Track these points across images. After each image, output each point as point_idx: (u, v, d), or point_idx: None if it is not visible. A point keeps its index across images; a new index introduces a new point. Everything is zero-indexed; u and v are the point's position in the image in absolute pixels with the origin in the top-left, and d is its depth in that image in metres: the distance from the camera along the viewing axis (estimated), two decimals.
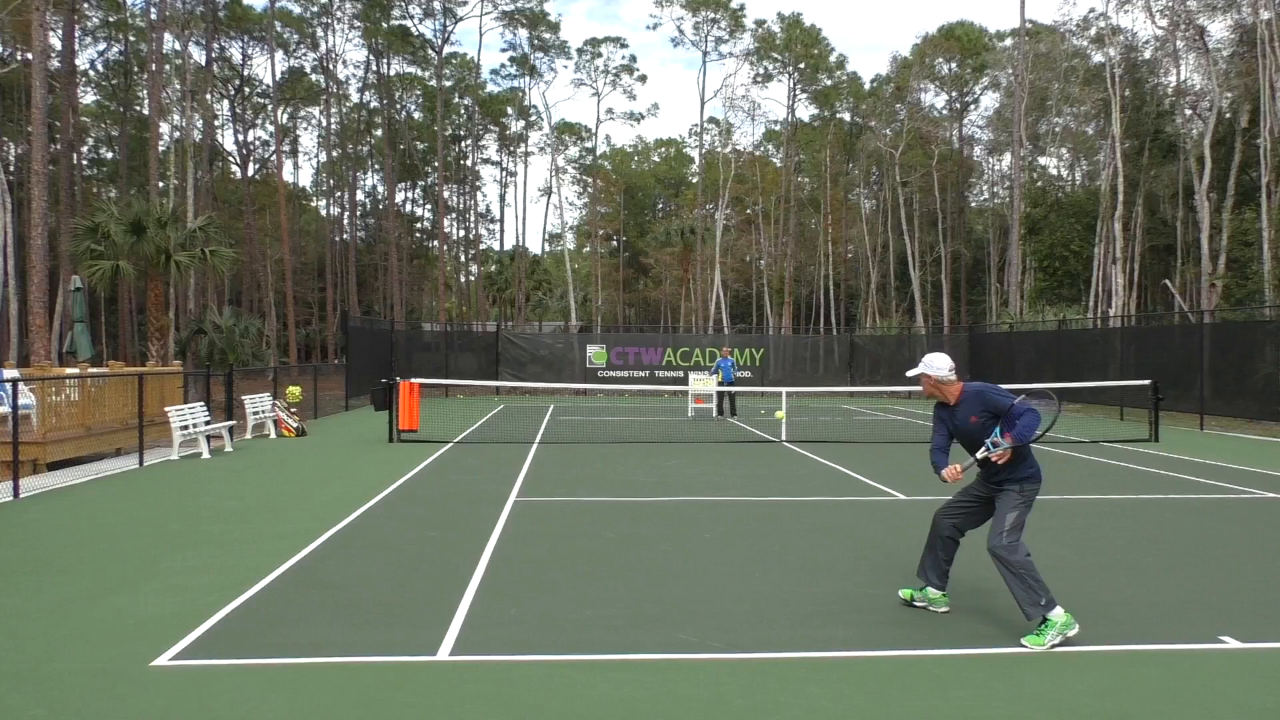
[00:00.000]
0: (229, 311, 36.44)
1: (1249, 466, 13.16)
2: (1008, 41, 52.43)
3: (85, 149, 53.89)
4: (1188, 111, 41.24)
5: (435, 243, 63.75)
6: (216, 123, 54.27)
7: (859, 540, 7.94)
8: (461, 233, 70.46)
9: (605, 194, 69.78)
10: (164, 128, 44.40)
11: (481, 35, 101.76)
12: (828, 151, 58.13)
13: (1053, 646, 4.96)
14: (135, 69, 49.69)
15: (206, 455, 13.84)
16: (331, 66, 56.62)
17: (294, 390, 18.96)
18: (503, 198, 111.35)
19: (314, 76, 57.99)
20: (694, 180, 66.51)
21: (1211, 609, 5.80)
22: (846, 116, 62.32)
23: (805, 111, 62.06)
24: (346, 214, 63.65)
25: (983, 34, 57.09)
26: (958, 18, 79.39)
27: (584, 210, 75.16)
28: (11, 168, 43.23)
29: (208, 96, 48.48)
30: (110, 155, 55.32)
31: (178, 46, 44.15)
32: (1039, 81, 44.31)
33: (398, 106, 61.42)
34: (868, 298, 57.33)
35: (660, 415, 23.31)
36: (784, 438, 16.65)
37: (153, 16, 40.66)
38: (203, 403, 15.58)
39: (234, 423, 15.97)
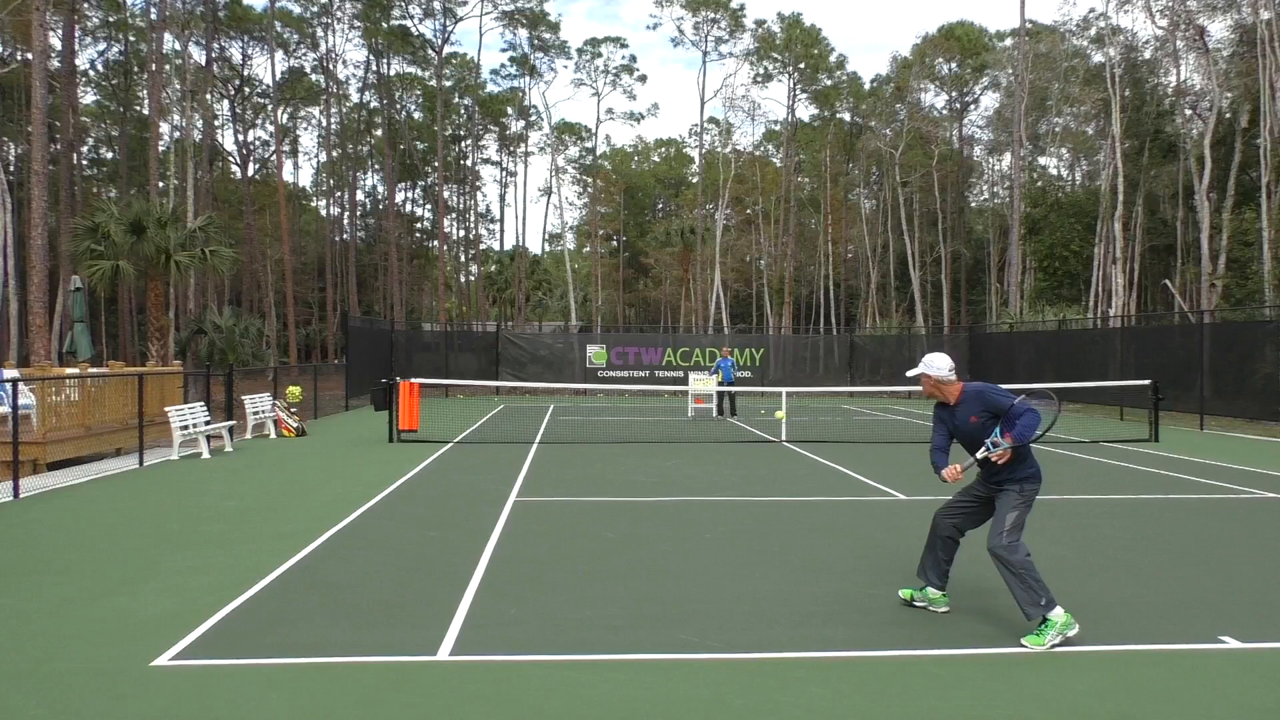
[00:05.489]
0: (229, 311, 36.46)
1: (1249, 466, 13.16)
2: (1008, 41, 52.46)
3: (85, 149, 53.87)
4: (1188, 111, 41.23)
5: (435, 243, 63.72)
6: (216, 123, 54.28)
7: (859, 540, 7.94)
8: (461, 233, 70.47)
9: (605, 194, 69.74)
10: (164, 128, 44.44)
11: (481, 35, 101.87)
12: (828, 151, 58.09)
13: (1053, 646, 4.96)
14: (135, 69, 49.68)
15: (206, 455, 13.84)
16: (331, 66, 56.68)
17: (294, 390, 18.95)
18: (503, 198, 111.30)
19: (314, 76, 57.99)
20: (694, 180, 66.47)
21: (1211, 609, 5.80)
22: (846, 116, 62.28)
23: (805, 111, 62.12)
24: (346, 214, 63.66)
25: (983, 34, 57.09)
26: (958, 18, 79.40)
27: (584, 210, 75.16)
28: (11, 168, 43.22)
29: (208, 96, 48.46)
30: (110, 155, 55.30)
31: (178, 46, 44.20)
32: (1039, 81, 44.30)
33: (398, 106, 61.39)
34: (868, 298, 57.31)
35: (660, 415, 23.31)
36: (784, 438, 16.64)
37: (153, 16, 40.67)
38: (203, 403, 15.58)
39: (234, 423, 15.96)
